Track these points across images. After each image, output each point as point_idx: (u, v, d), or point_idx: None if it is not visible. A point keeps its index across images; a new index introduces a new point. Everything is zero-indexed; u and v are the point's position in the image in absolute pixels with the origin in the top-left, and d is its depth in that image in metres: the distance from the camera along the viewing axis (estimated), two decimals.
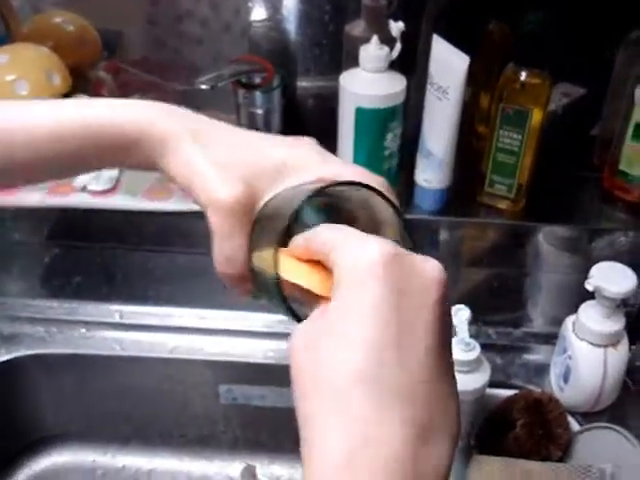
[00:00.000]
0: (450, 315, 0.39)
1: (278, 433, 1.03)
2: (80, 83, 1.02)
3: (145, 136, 0.48)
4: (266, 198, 0.46)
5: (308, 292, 0.41)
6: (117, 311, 1.03)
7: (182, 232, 1.00)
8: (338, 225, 0.42)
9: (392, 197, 0.44)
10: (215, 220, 0.45)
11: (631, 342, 0.88)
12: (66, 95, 0.99)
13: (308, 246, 0.41)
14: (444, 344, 0.37)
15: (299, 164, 0.47)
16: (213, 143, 0.48)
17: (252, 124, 0.96)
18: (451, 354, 0.38)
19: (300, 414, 0.37)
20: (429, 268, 0.38)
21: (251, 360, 0.98)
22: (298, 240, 0.42)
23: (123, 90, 1.06)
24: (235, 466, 1.05)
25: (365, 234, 0.39)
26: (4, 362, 0.98)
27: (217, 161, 0.46)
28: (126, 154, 0.49)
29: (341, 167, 0.47)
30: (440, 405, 0.36)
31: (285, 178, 0.47)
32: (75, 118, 0.50)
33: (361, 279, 0.36)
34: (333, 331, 0.36)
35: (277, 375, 0.98)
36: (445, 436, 0.36)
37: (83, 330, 1.02)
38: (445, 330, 0.37)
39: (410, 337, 0.36)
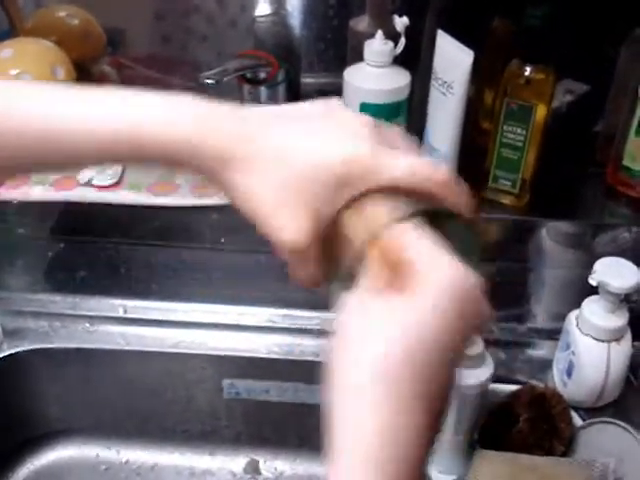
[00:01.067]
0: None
1: (281, 428, 1.03)
2: (84, 78, 1.02)
3: (192, 159, 0.45)
4: (331, 213, 0.44)
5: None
6: (121, 305, 1.03)
7: (186, 227, 1.00)
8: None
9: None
10: (286, 255, 0.45)
11: (634, 338, 0.88)
12: None
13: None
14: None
15: (364, 168, 0.43)
16: (266, 160, 0.44)
17: None
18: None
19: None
20: (484, 310, 0.42)
21: (254, 355, 0.98)
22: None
23: (127, 85, 1.05)
24: (238, 461, 1.06)
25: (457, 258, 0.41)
26: (8, 356, 0.98)
27: (275, 188, 0.43)
28: (169, 166, 0.47)
29: (413, 160, 0.44)
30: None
31: (352, 188, 0.43)
32: (108, 129, 0.46)
33: (444, 301, 0.39)
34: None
35: (281, 370, 0.98)
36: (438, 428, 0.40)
37: (87, 325, 1.02)
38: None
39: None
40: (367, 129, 0.44)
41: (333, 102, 0.47)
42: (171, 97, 0.48)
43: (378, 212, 0.43)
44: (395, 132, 0.47)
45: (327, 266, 0.46)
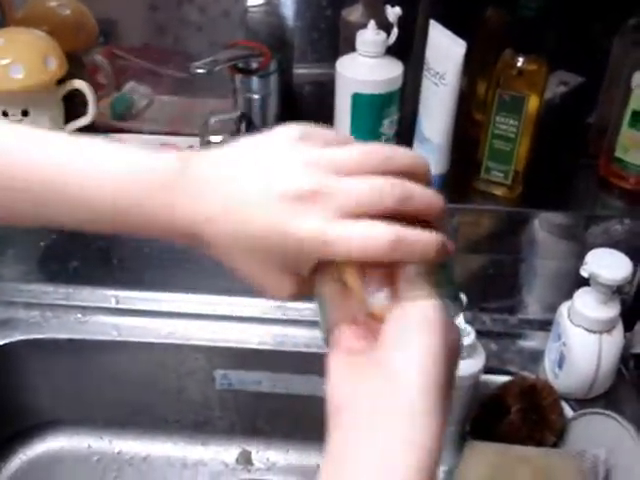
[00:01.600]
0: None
1: (274, 419, 1.04)
2: (76, 68, 1.02)
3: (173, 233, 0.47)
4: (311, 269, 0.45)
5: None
6: (113, 296, 1.03)
7: None
8: None
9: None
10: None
11: (626, 329, 0.88)
12: (61, 80, 0.99)
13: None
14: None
15: (317, 244, 0.42)
16: (230, 238, 0.45)
17: (249, 109, 0.96)
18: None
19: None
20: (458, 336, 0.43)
21: (247, 345, 0.98)
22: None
23: (119, 76, 1.06)
24: (231, 451, 1.06)
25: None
26: None
27: (252, 260, 0.45)
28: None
29: (364, 230, 0.43)
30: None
31: (314, 257, 0.44)
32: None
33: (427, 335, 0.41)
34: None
35: (273, 361, 0.98)
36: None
37: (79, 315, 1.02)
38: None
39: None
40: (310, 195, 0.43)
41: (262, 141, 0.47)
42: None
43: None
44: (325, 133, 0.47)
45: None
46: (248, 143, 0.47)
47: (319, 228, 0.42)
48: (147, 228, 0.47)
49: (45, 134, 0.50)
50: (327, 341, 0.45)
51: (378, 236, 0.41)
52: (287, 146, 0.45)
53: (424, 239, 0.42)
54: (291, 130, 0.46)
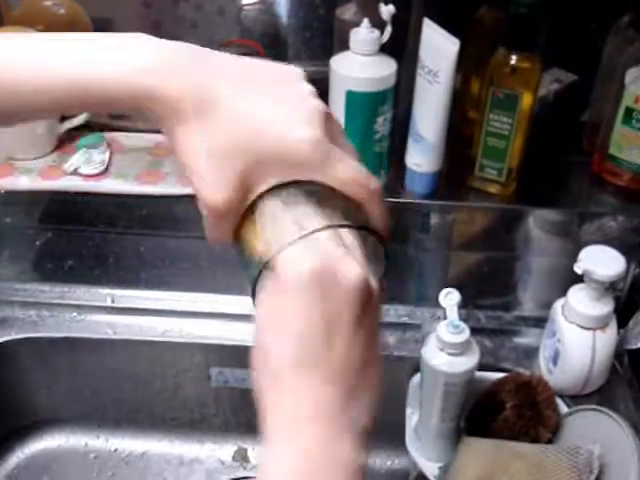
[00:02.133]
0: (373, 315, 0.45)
1: None
2: None
3: (146, 104, 0.46)
4: (260, 189, 0.46)
5: None
6: (109, 295, 1.03)
7: (173, 216, 1.00)
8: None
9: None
10: (205, 214, 0.46)
11: (619, 326, 0.89)
12: None
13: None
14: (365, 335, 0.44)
15: (310, 158, 0.44)
16: (215, 120, 0.45)
17: None
18: (372, 341, 0.45)
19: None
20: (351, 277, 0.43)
21: (242, 343, 0.98)
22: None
23: None
24: (227, 449, 1.06)
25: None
26: None
27: (214, 151, 0.45)
28: (124, 108, 0.49)
29: (355, 165, 0.46)
30: (360, 375, 0.45)
31: (288, 172, 0.45)
32: (66, 77, 0.46)
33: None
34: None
35: None
36: (365, 396, 0.45)
37: (74, 314, 1.02)
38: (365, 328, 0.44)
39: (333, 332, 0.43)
40: (321, 116, 0.45)
41: (293, 72, 0.48)
42: (131, 37, 0.47)
43: (288, 225, 0.45)
44: (340, 127, 0.48)
45: (238, 232, 0.48)
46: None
47: (328, 145, 0.44)
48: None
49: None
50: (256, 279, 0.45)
51: (370, 178, 0.46)
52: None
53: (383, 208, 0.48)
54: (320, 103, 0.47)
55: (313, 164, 0.44)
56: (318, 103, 0.46)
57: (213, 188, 0.45)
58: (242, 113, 0.45)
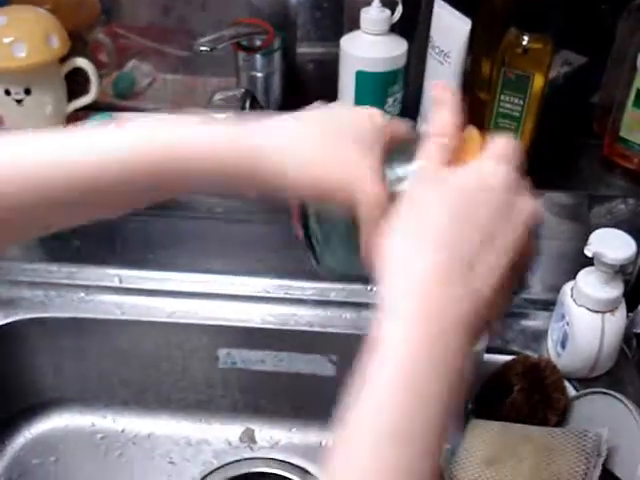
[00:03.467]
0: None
1: (277, 397, 1.04)
2: (78, 46, 1.01)
3: (232, 162, 0.49)
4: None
5: None
6: (116, 275, 1.03)
7: (182, 197, 1.00)
8: None
9: None
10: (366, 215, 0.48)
11: (628, 309, 0.88)
12: (63, 59, 0.99)
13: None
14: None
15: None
16: (299, 127, 0.50)
17: (252, 87, 0.96)
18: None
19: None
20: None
21: (250, 324, 0.98)
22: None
23: (121, 54, 1.05)
24: (234, 430, 1.06)
25: None
26: (3, 326, 0.99)
27: (325, 147, 0.49)
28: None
29: None
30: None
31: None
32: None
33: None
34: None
35: (276, 339, 0.98)
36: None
37: (82, 294, 1.02)
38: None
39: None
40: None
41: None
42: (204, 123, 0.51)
43: None
44: None
45: None
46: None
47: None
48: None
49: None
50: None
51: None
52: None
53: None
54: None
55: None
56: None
57: (365, 180, 0.47)
58: (308, 117, 0.52)
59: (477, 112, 0.96)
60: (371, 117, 0.51)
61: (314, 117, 0.51)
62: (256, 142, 0.48)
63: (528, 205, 0.47)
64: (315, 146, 0.48)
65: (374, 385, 0.41)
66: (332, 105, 0.54)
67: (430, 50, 0.88)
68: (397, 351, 0.41)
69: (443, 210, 0.45)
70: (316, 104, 0.53)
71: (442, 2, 0.85)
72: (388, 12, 0.87)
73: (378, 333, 0.42)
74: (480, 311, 0.44)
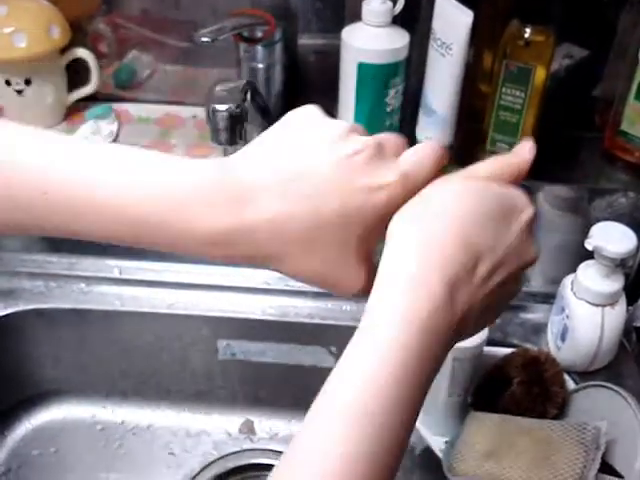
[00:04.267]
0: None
1: (277, 389, 1.04)
2: (79, 37, 1.01)
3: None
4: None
5: None
6: (116, 266, 1.03)
7: None
8: None
9: None
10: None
11: (628, 303, 0.88)
12: (64, 49, 0.99)
13: None
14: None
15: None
16: (315, 223, 0.44)
17: (253, 79, 0.95)
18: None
19: None
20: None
21: (250, 316, 0.98)
22: None
23: (122, 45, 1.05)
24: (234, 421, 1.06)
25: None
26: (3, 317, 0.98)
27: (325, 251, 0.45)
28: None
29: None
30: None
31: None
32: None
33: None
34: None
35: (276, 331, 0.98)
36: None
37: (82, 285, 1.02)
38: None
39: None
40: (339, 135, 0.44)
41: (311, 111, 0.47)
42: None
43: None
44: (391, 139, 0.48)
45: None
46: (273, 131, 0.46)
47: (397, 175, 0.44)
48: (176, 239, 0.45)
49: (70, 145, 0.48)
50: None
51: (434, 146, 0.48)
52: (308, 124, 0.46)
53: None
54: (305, 110, 0.47)
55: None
56: (356, 143, 0.45)
57: (347, 281, 0.46)
58: (300, 227, 0.45)
59: (479, 105, 0.96)
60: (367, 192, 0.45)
61: (299, 208, 0.44)
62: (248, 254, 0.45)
63: (528, 254, 0.47)
64: (297, 246, 0.45)
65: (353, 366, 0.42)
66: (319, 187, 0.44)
67: (432, 42, 0.87)
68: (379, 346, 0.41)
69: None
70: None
71: None
72: (390, 4, 0.86)
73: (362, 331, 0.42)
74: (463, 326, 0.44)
